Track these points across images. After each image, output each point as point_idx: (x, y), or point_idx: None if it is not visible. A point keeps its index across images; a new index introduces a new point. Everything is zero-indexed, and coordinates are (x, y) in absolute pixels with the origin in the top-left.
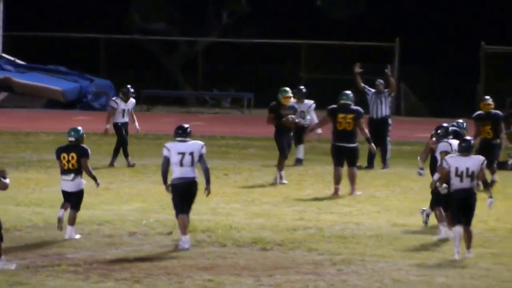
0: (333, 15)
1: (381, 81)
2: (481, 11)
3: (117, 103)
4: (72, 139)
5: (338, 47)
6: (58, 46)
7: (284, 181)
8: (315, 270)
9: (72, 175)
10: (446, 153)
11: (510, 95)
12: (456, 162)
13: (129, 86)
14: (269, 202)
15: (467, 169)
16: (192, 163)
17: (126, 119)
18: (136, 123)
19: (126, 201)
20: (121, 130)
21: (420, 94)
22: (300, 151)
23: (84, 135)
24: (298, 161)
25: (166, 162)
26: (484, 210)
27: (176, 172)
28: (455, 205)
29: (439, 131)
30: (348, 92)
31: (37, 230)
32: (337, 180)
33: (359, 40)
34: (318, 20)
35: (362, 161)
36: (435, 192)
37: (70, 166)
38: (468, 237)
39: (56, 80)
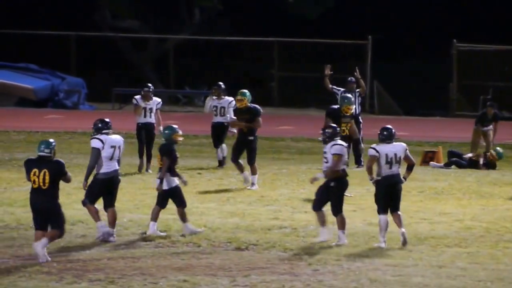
0: (305, 13)
1: (353, 78)
2: (453, 9)
3: (137, 101)
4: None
5: (311, 44)
6: (29, 44)
7: (246, 185)
8: (291, 270)
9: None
10: (340, 156)
11: (482, 93)
12: (385, 149)
13: (149, 84)
14: (244, 202)
15: (395, 155)
16: (119, 157)
17: (148, 119)
18: (161, 126)
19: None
20: (140, 131)
21: (393, 93)
22: (224, 151)
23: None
24: (221, 163)
25: (99, 154)
26: (460, 209)
27: (104, 166)
28: (382, 193)
29: (326, 130)
30: (345, 95)
31: (9, 231)
32: None
33: (332, 38)
34: (291, 17)
35: None
36: (321, 193)
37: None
38: (399, 220)
39: (27, 78)
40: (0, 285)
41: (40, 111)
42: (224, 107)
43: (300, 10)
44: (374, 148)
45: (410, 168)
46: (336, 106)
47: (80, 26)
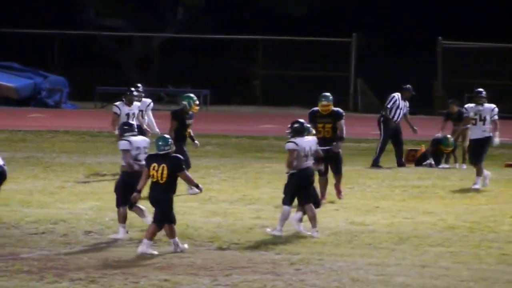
0: (289, 11)
1: (410, 87)
2: (438, 6)
3: (119, 108)
4: None
5: (295, 43)
6: (12, 42)
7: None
8: (273, 269)
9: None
10: (126, 151)
11: (467, 90)
12: (303, 143)
13: (132, 88)
14: (226, 201)
15: (310, 148)
16: None
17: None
18: (155, 128)
19: (81, 199)
20: None
21: (377, 90)
22: None
23: None
24: None
25: None
26: (443, 208)
27: None
28: (295, 185)
29: (124, 127)
30: (323, 94)
31: None
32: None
33: (317, 36)
34: (275, 15)
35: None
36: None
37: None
38: (313, 215)
39: (9, 77)
40: None
41: (22, 110)
42: (142, 111)
43: (284, 8)
44: (293, 142)
45: (318, 160)
46: (316, 108)
47: (63, 25)
